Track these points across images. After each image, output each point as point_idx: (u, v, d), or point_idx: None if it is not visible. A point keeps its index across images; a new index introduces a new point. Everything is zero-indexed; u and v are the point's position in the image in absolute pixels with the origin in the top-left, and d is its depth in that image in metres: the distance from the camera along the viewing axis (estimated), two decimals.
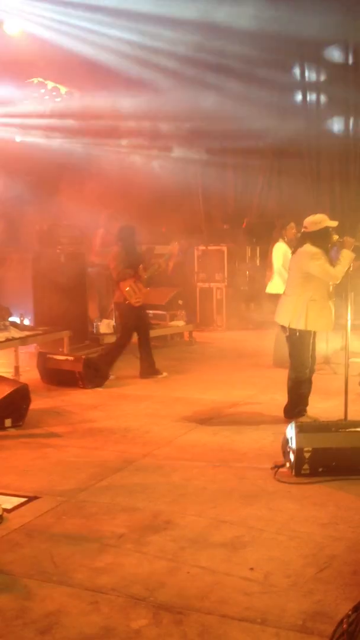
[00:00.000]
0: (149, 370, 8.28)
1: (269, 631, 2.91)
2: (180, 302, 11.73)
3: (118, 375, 8.22)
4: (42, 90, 11.37)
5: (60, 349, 8.68)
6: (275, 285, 8.53)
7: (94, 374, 7.79)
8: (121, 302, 8.18)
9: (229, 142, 13.96)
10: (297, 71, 14.02)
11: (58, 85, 11.45)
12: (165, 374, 8.31)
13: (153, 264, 8.50)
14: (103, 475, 4.86)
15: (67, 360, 7.96)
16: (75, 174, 12.48)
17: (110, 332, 9.61)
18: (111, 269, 8.26)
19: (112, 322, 9.71)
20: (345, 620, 2.88)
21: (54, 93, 11.51)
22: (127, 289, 8.05)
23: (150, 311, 11.06)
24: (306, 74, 13.90)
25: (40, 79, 11.23)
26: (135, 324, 8.27)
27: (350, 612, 2.94)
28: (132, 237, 8.34)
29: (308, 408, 6.22)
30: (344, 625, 2.85)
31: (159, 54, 11.81)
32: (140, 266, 8.24)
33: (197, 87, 12.48)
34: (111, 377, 8.12)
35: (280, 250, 8.56)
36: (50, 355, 8.08)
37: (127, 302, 8.08)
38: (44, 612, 3.09)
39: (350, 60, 13.36)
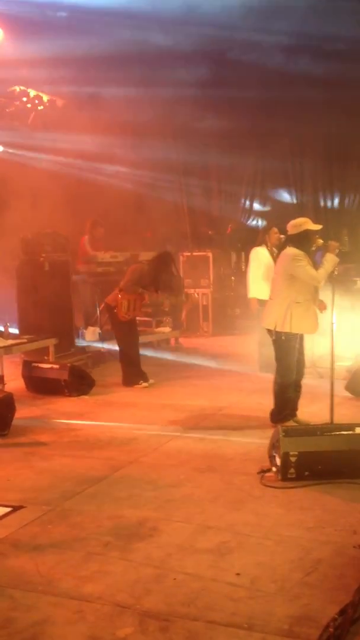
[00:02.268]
0: (132, 378, 8.22)
1: (256, 636, 2.90)
2: (166, 308, 11.72)
3: (104, 384, 8.20)
4: (24, 99, 11.32)
5: (46, 357, 8.64)
6: (255, 290, 8.55)
7: (79, 381, 7.76)
8: (111, 305, 8.15)
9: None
10: None
11: (40, 94, 11.42)
12: (145, 383, 8.20)
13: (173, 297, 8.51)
14: (89, 483, 4.83)
15: (52, 368, 7.93)
16: (58, 181, 12.45)
17: (96, 340, 9.59)
18: (125, 279, 8.14)
19: (98, 330, 9.68)
20: (331, 624, 2.88)
21: (36, 101, 11.47)
22: (124, 301, 8.02)
23: (137, 318, 11.06)
24: None
25: (22, 87, 11.20)
26: (127, 331, 8.24)
27: (336, 616, 2.94)
28: (167, 267, 8.24)
29: (297, 412, 6.23)
30: (331, 629, 2.85)
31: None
32: (155, 293, 8.25)
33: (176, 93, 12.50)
34: (151, 381, 8.20)
35: (254, 255, 8.57)
36: (36, 364, 8.05)
37: (115, 310, 8.06)
38: (30, 622, 3.06)
39: None
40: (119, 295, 8.03)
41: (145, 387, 8.13)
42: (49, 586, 3.38)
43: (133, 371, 8.18)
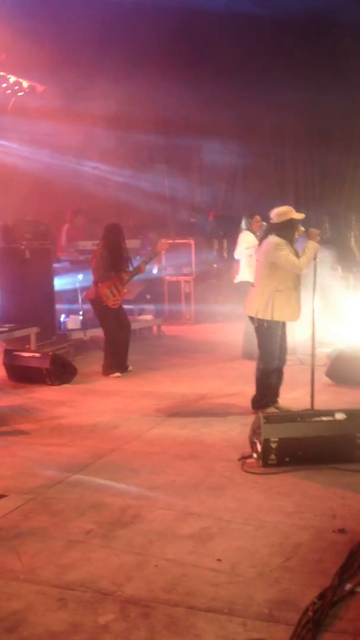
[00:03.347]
0: (108, 368, 8.17)
1: (236, 621, 2.93)
2: (148, 296, 11.72)
3: (87, 372, 8.19)
4: (4, 85, 11.20)
5: (27, 346, 8.61)
6: (242, 273, 8.59)
7: (61, 370, 7.74)
8: (94, 299, 8.11)
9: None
10: None
11: (20, 80, 11.30)
12: (118, 374, 8.13)
13: (135, 266, 8.37)
14: (71, 471, 4.84)
15: (34, 357, 7.90)
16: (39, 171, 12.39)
17: (78, 328, 9.57)
18: (91, 269, 8.14)
19: (80, 318, 9.66)
20: (310, 607, 2.93)
21: (16, 87, 11.35)
22: (106, 290, 7.97)
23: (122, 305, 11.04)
24: None
25: (2, 73, 11.07)
26: (116, 325, 8.19)
27: (315, 600, 2.99)
28: (119, 237, 8.15)
29: (279, 399, 6.26)
30: (310, 613, 2.89)
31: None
32: (127, 269, 8.16)
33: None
34: (130, 369, 8.20)
35: (246, 238, 8.61)
36: (17, 352, 8.02)
37: (103, 302, 8.02)
38: (11, 610, 3.07)
39: None
40: (99, 286, 7.99)
41: (118, 376, 8.07)
42: (31, 574, 3.39)
43: (114, 363, 8.15)
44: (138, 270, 8.29)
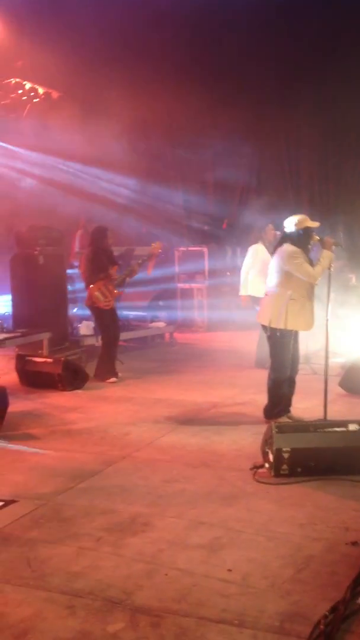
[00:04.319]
0: (105, 373, 8.16)
1: (247, 633, 2.90)
2: (160, 303, 11.72)
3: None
4: (20, 91, 11.27)
5: (40, 351, 8.62)
6: (251, 287, 8.57)
7: (73, 376, 7.74)
8: (90, 305, 8.15)
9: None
10: None
11: (36, 86, 11.37)
12: (114, 379, 8.11)
13: (129, 267, 8.42)
14: (81, 477, 4.82)
15: (46, 362, 7.91)
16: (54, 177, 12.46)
17: (90, 334, 9.57)
18: (81, 273, 8.20)
19: (92, 324, 9.66)
20: (322, 621, 2.89)
21: (32, 94, 11.42)
22: (96, 292, 8.00)
23: (131, 312, 11.05)
24: None
25: (18, 80, 11.15)
26: (111, 321, 8.23)
27: (327, 613, 2.94)
28: (103, 239, 8.24)
29: (291, 408, 6.23)
30: (321, 627, 2.85)
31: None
32: (115, 268, 8.21)
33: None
34: (120, 375, 8.16)
35: (256, 253, 8.57)
36: (30, 358, 8.03)
37: (96, 305, 8.04)
38: (20, 617, 3.06)
39: None
40: (89, 289, 8.04)
41: (114, 381, 8.06)
42: (40, 581, 3.37)
43: (107, 367, 8.16)
44: (131, 271, 8.32)
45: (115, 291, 8.12)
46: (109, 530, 3.94)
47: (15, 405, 6.64)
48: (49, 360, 7.97)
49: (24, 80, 11.23)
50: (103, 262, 8.15)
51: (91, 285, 8.02)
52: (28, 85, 11.28)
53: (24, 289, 9.39)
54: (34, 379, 7.83)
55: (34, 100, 11.58)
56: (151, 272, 8.82)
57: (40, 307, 9.17)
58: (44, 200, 12.41)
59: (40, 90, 11.46)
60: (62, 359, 7.93)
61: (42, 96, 11.53)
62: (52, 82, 11.78)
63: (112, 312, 8.23)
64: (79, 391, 7.65)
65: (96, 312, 8.19)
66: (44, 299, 9.23)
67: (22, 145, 12.09)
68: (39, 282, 9.27)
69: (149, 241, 12.43)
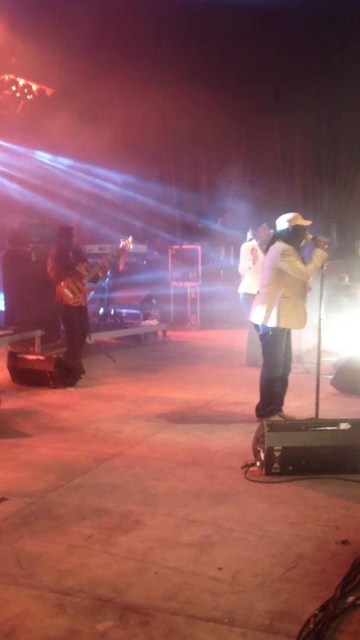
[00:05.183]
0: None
1: (236, 631, 2.89)
2: (153, 301, 11.71)
3: (91, 376, 8.17)
4: (13, 88, 11.23)
5: (32, 349, 8.60)
6: (244, 285, 8.59)
7: (65, 373, 7.72)
8: (59, 302, 8.09)
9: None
10: None
11: (30, 83, 11.33)
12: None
13: (98, 263, 8.37)
14: (73, 475, 4.81)
15: (38, 359, 7.88)
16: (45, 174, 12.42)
17: None
18: (48, 270, 8.15)
19: None
20: (312, 619, 2.89)
21: (25, 90, 11.38)
22: (65, 290, 7.95)
23: (124, 310, 11.05)
24: None
25: (11, 76, 11.11)
26: (78, 325, 8.18)
27: (317, 612, 2.94)
28: (68, 238, 8.19)
29: (283, 407, 6.23)
30: (311, 625, 2.85)
31: None
32: (84, 264, 8.18)
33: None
34: (82, 377, 8.06)
35: (248, 251, 8.60)
36: (21, 355, 8.00)
37: (64, 302, 8.01)
38: (9, 615, 3.04)
39: None
40: (58, 287, 7.97)
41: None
42: (30, 579, 3.36)
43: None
44: (102, 267, 8.29)
45: (85, 288, 8.10)
46: (99, 528, 3.93)
47: (7, 403, 6.63)
48: (41, 357, 7.95)
49: (18, 77, 11.17)
50: (70, 259, 8.12)
51: (61, 283, 7.98)
52: (22, 82, 11.24)
53: (16, 286, 9.37)
54: (25, 377, 7.81)
55: (28, 97, 11.53)
56: (122, 267, 8.79)
57: (33, 304, 9.15)
58: (36, 197, 12.38)
59: (34, 87, 11.42)
60: (54, 356, 7.91)
61: (36, 93, 11.49)
62: (46, 79, 11.73)
63: (81, 309, 8.16)
64: (71, 389, 7.63)
65: (63, 309, 8.09)
66: (36, 297, 9.21)
67: (15, 142, 12.04)
68: (32, 279, 9.25)
69: (144, 239, 12.45)
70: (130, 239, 8.67)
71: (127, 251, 8.80)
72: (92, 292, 8.61)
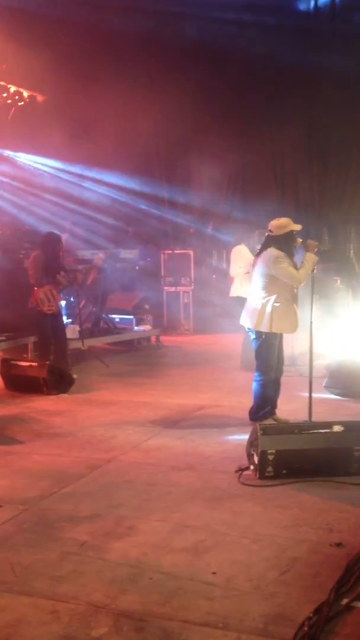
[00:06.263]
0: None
1: (231, 635, 2.89)
2: (146, 306, 11.71)
3: (84, 382, 8.16)
4: (4, 94, 11.24)
5: (25, 355, 8.58)
6: (236, 288, 8.60)
7: (58, 379, 7.71)
8: (33, 307, 8.14)
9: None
10: None
11: (20, 89, 11.34)
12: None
13: (71, 275, 8.45)
14: (66, 482, 4.80)
15: (31, 366, 7.87)
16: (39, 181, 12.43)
17: (75, 337, 9.54)
18: (29, 274, 8.18)
19: (78, 327, 9.64)
20: (306, 622, 2.89)
21: (17, 97, 11.39)
22: (42, 295, 8.04)
23: (117, 316, 11.05)
24: None
25: (2, 83, 11.12)
26: (50, 331, 8.22)
27: (311, 615, 2.95)
28: (56, 244, 8.31)
29: (276, 410, 6.23)
30: (305, 628, 2.85)
31: None
32: (62, 272, 8.26)
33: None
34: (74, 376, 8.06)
35: (239, 254, 8.62)
36: (14, 362, 7.99)
37: (38, 308, 8.04)
38: (3, 623, 3.03)
39: None
40: (35, 291, 8.05)
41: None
42: (24, 586, 3.35)
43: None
44: (73, 279, 8.44)
45: (59, 297, 8.20)
46: (93, 534, 3.92)
47: (0, 410, 6.60)
48: (34, 364, 7.94)
49: (9, 84, 11.18)
50: (53, 266, 8.20)
51: (38, 288, 8.04)
52: (13, 89, 11.24)
53: (9, 292, 9.35)
54: (19, 383, 7.79)
55: (19, 104, 11.54)
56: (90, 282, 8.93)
57: (25, 310, 9.12)
58: (28, 204, 12.37)
59: (25, 94, 11.43)
60: (47, 362, 7.89)
61: (27, 99, 11.49)
62: (37, 85, 11.74)
63: (54, 317, 8.26)
64: (64, 395, 7.62)
65: (36, 314, 8.17)
66: (28, 303, 9.17)
67: (7, 147, 12.05)
68: (24, 285, 9.22)
69: (136, 245, 12.45)
70: (101, 254, 8.87)
71: (97, 267, 8.96)
72: (63, 302, 8.70)
